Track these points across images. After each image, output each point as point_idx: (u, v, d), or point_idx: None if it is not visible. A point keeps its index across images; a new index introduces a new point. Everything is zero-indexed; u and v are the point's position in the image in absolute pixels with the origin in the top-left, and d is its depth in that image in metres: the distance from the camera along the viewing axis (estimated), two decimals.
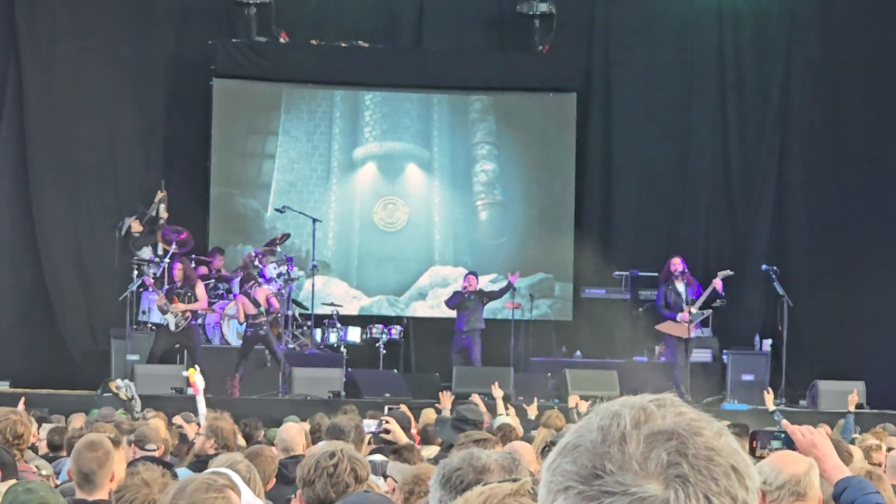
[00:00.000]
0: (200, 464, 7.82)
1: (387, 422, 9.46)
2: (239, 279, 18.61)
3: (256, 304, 18.01)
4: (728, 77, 21.97)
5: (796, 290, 19.92)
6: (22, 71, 20.32)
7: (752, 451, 5.21)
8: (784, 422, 5.16)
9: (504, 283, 20.37)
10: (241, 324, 18.48)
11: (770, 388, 15.64)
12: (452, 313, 21.11)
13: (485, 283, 21.24)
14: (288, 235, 20.21)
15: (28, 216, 20.37)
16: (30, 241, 20.37)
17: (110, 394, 15.29)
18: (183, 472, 7.92)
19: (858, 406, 17.39)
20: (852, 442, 10.38)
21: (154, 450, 8.51)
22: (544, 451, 7.09)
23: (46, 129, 20.48)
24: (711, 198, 22.01)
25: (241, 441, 10.40)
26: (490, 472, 3.28)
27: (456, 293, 19.98)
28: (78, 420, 12.67)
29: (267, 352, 18.37)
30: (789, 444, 4.84)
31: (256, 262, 18.72)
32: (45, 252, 20.30)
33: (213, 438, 8.52)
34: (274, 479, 7.31)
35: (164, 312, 17.89)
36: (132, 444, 8.54)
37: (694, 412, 1.56)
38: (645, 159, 21.99)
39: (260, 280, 18.41)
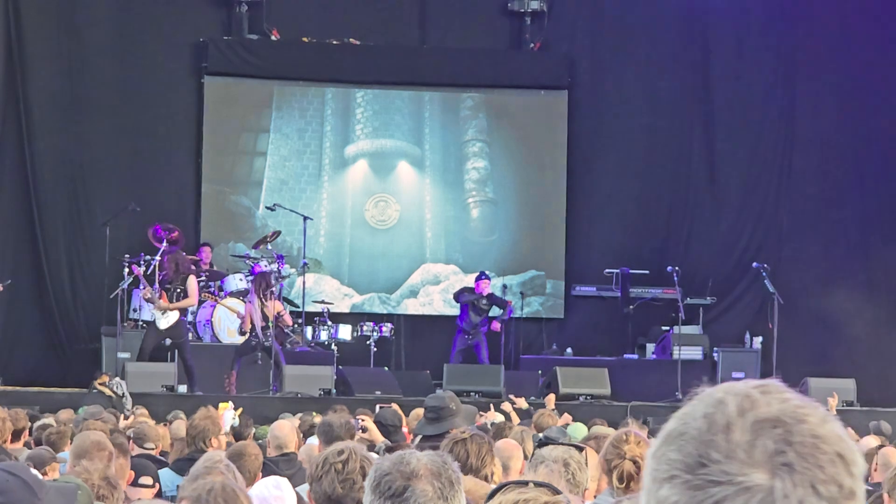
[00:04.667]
0: (183, 462, 7.85)
1: (363, 420, 9.46)
2: (256, 289, 18.35)
3: (266, 317, 17.94)
4: (723, 72, 21.93)
5: (787, 287, 19.95)
6: (20, 68, 20.30)
7: None
8: None
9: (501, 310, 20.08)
10: (243, 332, 18.35)
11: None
12: (443, 310, 21.10)
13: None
14: (279, 233, 20.18)
15: (28, 214, 20.36)
16: (29, 238, 20.37)
17: (103, 390, 15.26)
18: (165, 472, 7.95)
19: (849, 403, 17.45)
20: None
21: (152, 448, 8.53)
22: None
23: (44, 125, 20.49)
24: (702, 196, 22.01)
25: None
26: (418, 477, 3.28)
27: (468, 290, 19.84)
28: (65, 414, 12.64)
29: (259, 352, 18.30)
30: None
31: (274, 279, 18.64)
32: (43, 248, 20.30)
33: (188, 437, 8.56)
34: (260, 476, 7.31)
35: (150, 302, 17.66)
36: (130, 441, 8.55)
37: (798, 398, 1.56)
38: (636, 157, 21.95)
39: (274, 292, 18.34)
